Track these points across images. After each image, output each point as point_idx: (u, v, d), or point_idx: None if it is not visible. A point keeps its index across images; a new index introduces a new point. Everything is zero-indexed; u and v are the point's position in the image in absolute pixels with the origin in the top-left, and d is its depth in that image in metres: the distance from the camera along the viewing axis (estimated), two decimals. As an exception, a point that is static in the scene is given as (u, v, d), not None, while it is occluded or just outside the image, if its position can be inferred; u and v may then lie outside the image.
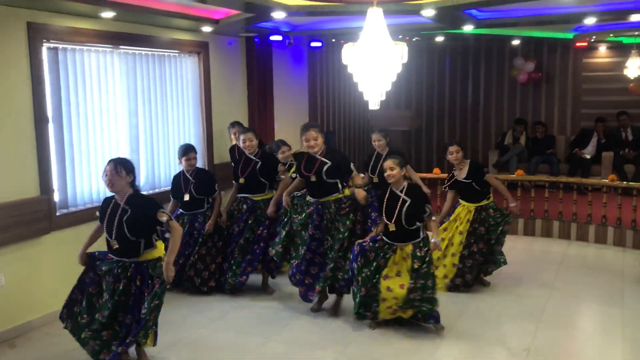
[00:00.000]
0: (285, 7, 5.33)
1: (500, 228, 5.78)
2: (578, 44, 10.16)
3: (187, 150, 5.72)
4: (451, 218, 5.86)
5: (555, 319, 5.21)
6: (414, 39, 9.28)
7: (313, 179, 4.99)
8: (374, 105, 4.28)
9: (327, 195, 5.00)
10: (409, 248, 4.70)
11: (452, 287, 5.71)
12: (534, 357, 4.45)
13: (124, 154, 5.93)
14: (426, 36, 9.07)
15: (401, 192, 4.72)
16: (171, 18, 5.71)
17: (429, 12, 5.50)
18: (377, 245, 4.77)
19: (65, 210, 5.31)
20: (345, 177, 5.10)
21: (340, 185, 5.04)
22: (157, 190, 6.36)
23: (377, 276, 4.72)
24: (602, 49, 10.42)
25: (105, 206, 4.11)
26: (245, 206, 5.70)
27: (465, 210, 5.79)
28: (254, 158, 5.67)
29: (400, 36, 8.21)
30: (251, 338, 4.80)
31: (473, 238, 5.68)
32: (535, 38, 9.64)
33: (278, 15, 5.53)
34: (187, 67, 6.73)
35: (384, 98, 4.28)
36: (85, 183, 5.54)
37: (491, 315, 5.27)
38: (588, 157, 9.98)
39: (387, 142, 6.33)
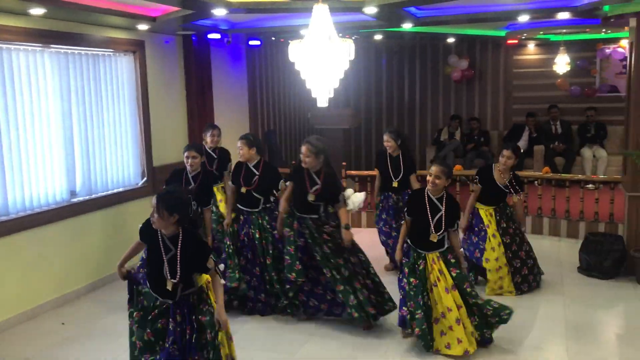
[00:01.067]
0: (226, 4, 5.20)
1: None
2: (509, 42, 10.50)
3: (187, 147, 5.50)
4: None
5: (501, 309, 5.34)
6: (352, 37, 9.31)
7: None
8: (322, 102, 4.25)
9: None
10: (435, 255, 4.49)
11: None
12: (481, 348, 4.54)
13: (58, 157, 5.65)
14: (364, 34, 9.13)
15: (438, 200, 4.51)
16: (105, 15, 5.47)
17: (371, 10, 5.51)
18: (414, 256, 4.55)
19: (-5, 219, 5.00)
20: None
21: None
22: (94, 196, 6.08)
23: (424, 293, 4.44)
24: (532, 46, 10.82)
25: None
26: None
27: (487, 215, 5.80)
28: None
29: (340, 34, 8.20)
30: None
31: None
32: (468, 36, 9.89)
33: (219, 12, 5.40)
34: (123, 67, 6.48)
35: (332, 95, 4.25)
36: (17, 190, 5.22)
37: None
38: (520, 151, 10.32)
39: (398, 144, 6.10)
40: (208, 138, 6.43)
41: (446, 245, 4.53)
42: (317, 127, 9.76)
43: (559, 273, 6.26)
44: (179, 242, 3.37)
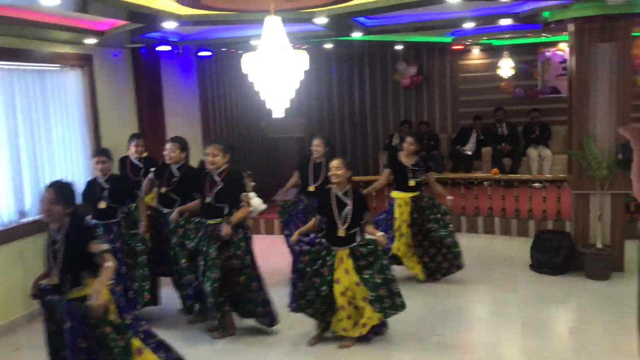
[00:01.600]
0: (177, 17, 5.18)
1: None
2: (455, 47, 10.78)
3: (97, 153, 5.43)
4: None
5: (457, 308, 5.47)
6: (303, 47, 9.38)
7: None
8: (278, 113, 4.28)
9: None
10: (345, 252, 4.61)
11: None
12: (443, 346, 4.65)
13: (5, 177, 5.48)
14: (314, 43, 9.21)
15: (344, 195, 4.66)
16: (51, 30, 5.36)
17: (321, 20, 5.59)
18: (315, 249, 4.65)
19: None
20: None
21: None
22: (45, 215, 5.91)
23: (325, 287, 4.59)
24: (476, 51, 11.13)
25: None
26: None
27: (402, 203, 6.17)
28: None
29: (291, 44, 8.27)
30: None
31: None
32: (415, 43, 10.11)
33: (169, 25, 5.37)
34: (71, 82, 6.34)
35: (288, 106, 4.29)
36: (-37, 212, 5.04)
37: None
38: (469, 153, 10.59)
39: (326, 151, 6.10)
40: (132, 148, 6.20)
41: (357, 241, 4.62)
42: (271, 136, 9.77)
43: (511, 271, 6.46)
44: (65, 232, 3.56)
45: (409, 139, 6.21)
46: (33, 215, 5.79)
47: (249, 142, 10.65)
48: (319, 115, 11.96)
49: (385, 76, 11.62)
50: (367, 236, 4.68)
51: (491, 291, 6.00)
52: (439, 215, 6.11)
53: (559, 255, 6.25)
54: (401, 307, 4.63)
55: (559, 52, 10.51)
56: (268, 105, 4.30)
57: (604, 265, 6.04)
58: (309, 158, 6.21)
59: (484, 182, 8.29)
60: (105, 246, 3.60)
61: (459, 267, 6.17)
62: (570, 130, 6.66)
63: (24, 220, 5.70)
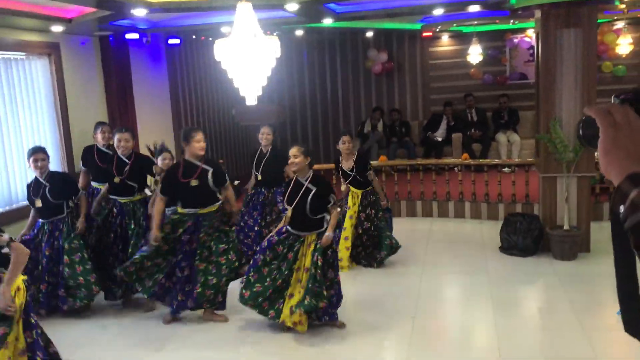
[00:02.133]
0: (146, 4, 5.12)
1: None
2: (424, 34, 10.86)
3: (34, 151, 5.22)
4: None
5: (430, 290, 5.58)
6: (274, 34, 9.34)
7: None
8: (251, 100, 4.28)
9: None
10: (312, 237, 4.68)
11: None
12: (417, 327, 4.74)
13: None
14: (285, 30, 9.19)
15: (306, 180, 4.71)
16: (17, 17, 5.26)
17: (292, 6, 5.58)
18: (283, 237, 4.72)
19: None
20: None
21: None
22: (14, 206, 5.83)
23: (288, 271, 4.68)
24: (446, 38, 11.23)
25: None
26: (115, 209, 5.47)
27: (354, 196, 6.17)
28: (127, 160, 5.41)
29: (262, 31, 8.23)
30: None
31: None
32: (386, 30, 10.16)
33: (139, 12, 5.31)
34: (38, 71, 6.23)
35: (260, 93, 4.29)
36: None
37: (374, 293, 5.52)
38: (440, 139, 10.72)
39: (274, 139, 6.28)
40: (99, 136, 6.09)
41: (325, 226, 4.68)
42: (242, 124, 9.74)
43: (482, 253, 6.60)
44: None
45: (343, 138, 6.11)
46: (2, 206, 5.71)
47: (220, 130, 10.61)
48: (290, 103, 11.96)
49: (357, 63, 11.65)
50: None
51: (463, 273, 6.12)
52: (380, 214, 6.26)
53: (528, 237, 6.40)
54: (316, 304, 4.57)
55: (526, 39, 10.67)
56: (242, 93, 4.29)
57: (571, 246, 6.21)
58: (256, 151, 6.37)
59: (455, 168, 8.41)
60: (6, 237, 3.48)
61: (381, 259, 6.26)
62: (538, 114, 6.80)
63: (-7, 211, 5.62)
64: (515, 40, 10.82)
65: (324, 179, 4.91)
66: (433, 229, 7.78)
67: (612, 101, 1.16)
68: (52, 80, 6.38)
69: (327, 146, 11.77)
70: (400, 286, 5.71)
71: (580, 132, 1.12)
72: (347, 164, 6.14)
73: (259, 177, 6.24)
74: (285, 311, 4.63)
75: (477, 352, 4.42)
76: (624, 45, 9.55)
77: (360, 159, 6.16)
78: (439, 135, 10.77)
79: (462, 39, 10.95)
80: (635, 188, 0.94)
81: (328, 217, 4.70)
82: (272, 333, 4.76)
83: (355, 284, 5.81)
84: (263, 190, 6.27)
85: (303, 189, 4.67)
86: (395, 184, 8.54)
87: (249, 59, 4.03)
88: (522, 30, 10.56)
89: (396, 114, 11.15)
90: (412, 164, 8.81)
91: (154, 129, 8.01)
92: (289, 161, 4.74)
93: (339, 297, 4.74)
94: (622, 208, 0.96)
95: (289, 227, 4.73)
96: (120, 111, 7.43)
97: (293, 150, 4.69)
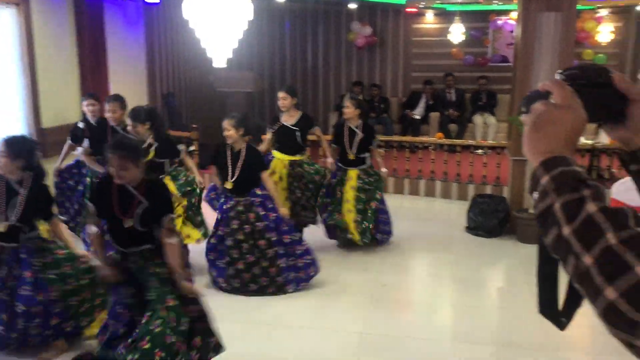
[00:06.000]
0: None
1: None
2: (408, 10, 10.76)
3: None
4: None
5: (396, 267, 5.60)
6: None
7: None
8: (219, 63, 4.20)
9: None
10: (247, 203, 4.81)
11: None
12: (382, 302, 4.76)
13: None
14: (266, -3, 9.03)
15: (239, 151, 4.79)
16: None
17: (270, -29, 5.45)
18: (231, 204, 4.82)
19: None
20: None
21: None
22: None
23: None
24: (429, 15, 11.14)
25: None
26: None
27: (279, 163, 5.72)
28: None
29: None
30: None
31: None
32: (370, 3, 10.04)
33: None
34: (5, 20, 6.02)
35: (231, 56, 4.20)
36: None
37: (339, 266, 5.53)
38: (418, 117, 10.70)
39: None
40: (85, 108, 5.57)
41: (258, 191, 4.79)
42: (219, 90, 9.60)
43: (449, 232, 6.63)
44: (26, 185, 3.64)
45: (279, 94, 5.72)
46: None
47: (197, 96, 10.45)
48: (270, 72, 11.82)
49: (339, 35, 11.52)
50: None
51: (428, 250, 6.15)
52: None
53: (494, 218, 6.44)
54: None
55: (510, 21, 10.63)
56: (209, 54, 4.20)
57: (535, 230, 6.24)
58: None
59: (429, 147, 8.41)
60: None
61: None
62: (513, 97, 6.79)
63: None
64: (499, 22, 10.78)
65: (255, 150, 4.96)
66: (403, 205, 7.79)
67: (556, 77, 1.12)
68: (20, 32, 6.17)
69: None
70: (363, 260, 5.72)
71: (523, 109, 1.08)
72: (289, 120, 5.72)
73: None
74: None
75: (434, 328, 4.45)
76: (604, 33, 9.56)
77: (306, 117, 5.82)
78: (418, 114, 10.74)
79: (445, 17, 10.86)
80: (547, 174, 0.91)
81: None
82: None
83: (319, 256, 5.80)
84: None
85: (234, 157, 4.79)
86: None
87: (217, 19, 3.94)
88: (507, 12, 10.51)
89: (376, 90, 11.08)
90: (387, 140, 8.78)
91: (128, 90, 7.83)
92: (225, 134, 4.79)
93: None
94: (535, 195, 0.93)
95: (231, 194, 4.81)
96: (93, 69, 7.24)
97: (225, 123, 4.75)
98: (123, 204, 3.20)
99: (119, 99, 5.44)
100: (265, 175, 4.86)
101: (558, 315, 0.98)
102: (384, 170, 5.93)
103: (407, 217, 7.22)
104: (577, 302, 0.95)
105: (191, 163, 5.20)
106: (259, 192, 4.79)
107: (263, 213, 4.73)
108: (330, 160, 5.88)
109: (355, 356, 3.92)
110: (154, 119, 5.04)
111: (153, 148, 4.94)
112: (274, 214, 4.76)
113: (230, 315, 4.49)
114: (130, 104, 5.57)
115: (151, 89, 8.77)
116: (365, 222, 5.70)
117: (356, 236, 5.73)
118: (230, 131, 4.74)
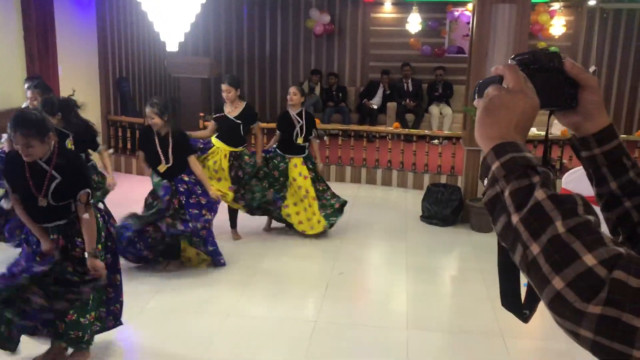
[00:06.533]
0: None
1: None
2: (367, -1, 10.75)
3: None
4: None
5: (350, 255, 5.61)
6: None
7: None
8: (171, 47, 4.09)
9: None
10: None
11: None
12: (336, 290, 4.76)
13: None
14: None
15: (165, 135, 4.81)
16: None
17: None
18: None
19: None
20: None
21: None
22: None
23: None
24: (388, 5, 11.15)
25: None
26: None
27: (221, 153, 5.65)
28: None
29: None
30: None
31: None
32: (328, -10, 9.96)
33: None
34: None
35: (182, 40, 4.10)
36: None
37: (294, 255, 5.50)
38: (375, 107, 10.73)
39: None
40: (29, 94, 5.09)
41: (185, 177, 4.87)
42: (174, 75, 9.41)
43: (404, 221, 6.68)
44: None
45: (222, 86, 5.52)
46: None
47: (150, 81, 10.21)
48: (227, 57, 11.65)
49: (298, 22, 11.43)
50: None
51: (382, 239, 6.18)
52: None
53: (448, 207, 6.51)
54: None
55: (466, 12, 10.74)
56: (162, 38, 4.09)
57: (488, 219, 6.34)
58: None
59: (386, 136, 8.44)
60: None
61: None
62: (468, 88, 6.86)
63: None
64: (456, 13, 10.88)
65: (183, 134, 4.96)
66: (360, 194, 7.81)
67: (509, 62, 1.10)
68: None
69: (263, 104, 11.59)
70: (318, 248, 5.71)
71: (476, 96, 1.06)
72: (232, 114, 5.59)
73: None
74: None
75: (386, 316, 4.47)
76: (557, 27, 9.76)
77: (248, 112, 5.66)
78: (375, 103, 10.77)
79: (404, 7, 10.90)
80: (497, 160, 0.89)
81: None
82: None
83: (276, 243, 5.76)
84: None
85: (161, 142, 4.81)
86: (327, 148, 8.51)
87: (169, 1, 3.82)
88: (464, 4, 10.61)
89: (334, 78, 11.06)
90: (345, 129, 8.78)
91: (78, 74, 7.62)
92: (151, 121, 4.76)
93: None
94: (485, 181, 0.92)
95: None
96: (40, 51, 6.98)
97: (147, 111, 4.72)
98: (36, 180, 3.13)
99: (40, 86, 5.02)
100: (192, 158, 4.90)
101: (520, 307, 0.96)
102: (320, 164, 6.16)
103: (364, 206, 7.24)
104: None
105: (108, 163, 5.03)
106: (186, 177, 4.84)
107: (185, 201, 4.80)
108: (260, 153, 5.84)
109: (309, 344, 3.91)
110: (64, 110, 4.71)
111: (70, 138, 4.73)
112: (205, 199, 4.85)
113: (182, 304, 4.41)
114: (82, 89, 5.38)
115: (103, 73, 8.52)
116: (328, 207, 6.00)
117: (317, 229, 5.89)
118: (155, 119, 4.65)
